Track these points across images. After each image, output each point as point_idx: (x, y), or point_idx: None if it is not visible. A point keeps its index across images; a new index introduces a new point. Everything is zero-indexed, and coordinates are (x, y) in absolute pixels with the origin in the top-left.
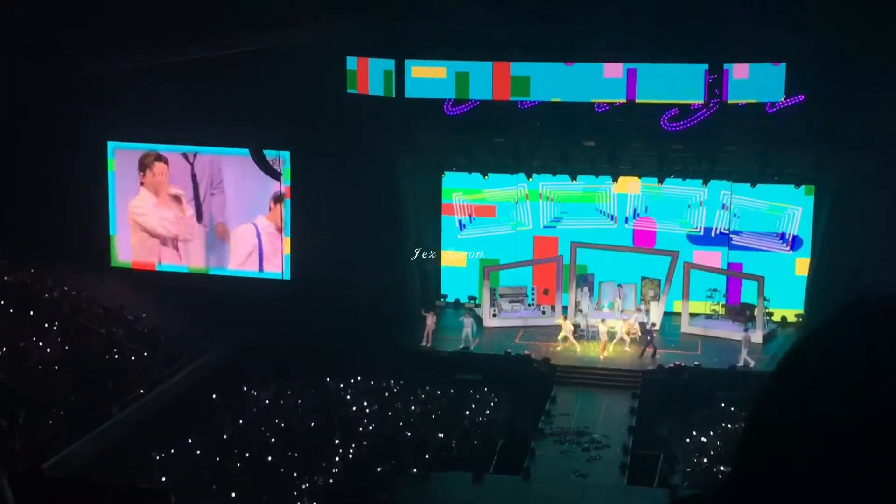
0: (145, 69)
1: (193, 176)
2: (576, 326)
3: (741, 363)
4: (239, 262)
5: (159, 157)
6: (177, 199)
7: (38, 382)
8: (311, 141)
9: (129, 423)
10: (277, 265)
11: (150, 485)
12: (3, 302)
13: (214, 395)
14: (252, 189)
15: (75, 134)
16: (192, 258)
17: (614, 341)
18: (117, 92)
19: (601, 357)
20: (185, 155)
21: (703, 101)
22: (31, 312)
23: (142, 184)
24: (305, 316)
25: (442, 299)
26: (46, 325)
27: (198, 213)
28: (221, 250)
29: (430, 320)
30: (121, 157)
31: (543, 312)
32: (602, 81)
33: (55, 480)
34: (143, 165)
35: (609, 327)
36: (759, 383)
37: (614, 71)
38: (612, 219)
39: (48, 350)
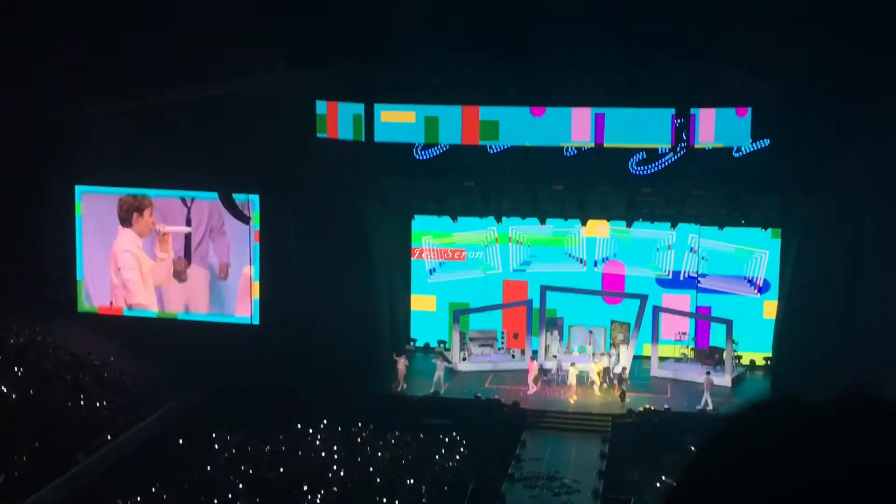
0: (114, 113)
1: (188, 220)
2: (545, 371)
3: (702, 405)
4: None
5: (148, 202)
6: (165, 241)
7: (3, 428)
8: (280, 184)
9: (95, 470)
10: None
11: None
12: None
13: (182, 441)
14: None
15: (42, 178)
16: (191, 302)
17: (585, 384)
18: (86, 136)
19: (571, 401)
20: (182, 199)
21: (670, 146)
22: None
23: (129, 227)
24: (274, 360)
25: (412, 343)
26: (11, 370)
27: (187, 256)
28: (222, 292)
29: (402, 364)
30: (90, 202)
31: (513, 356)
32: (570, 126)
33: None
34: (133, 209)
35: (579, 370)
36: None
37: (582, 115)
38: (581, 262)
39: (13, 396)
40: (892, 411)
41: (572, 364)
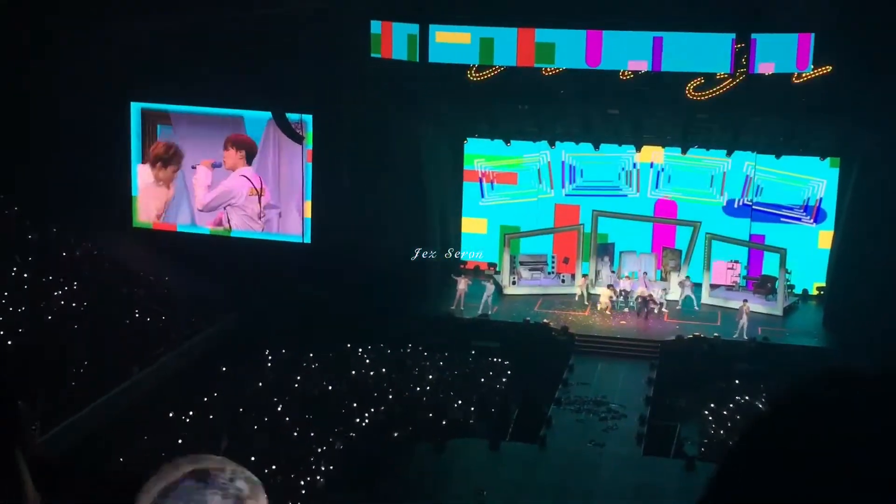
0: (169, 32)
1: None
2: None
3: (738, 333)
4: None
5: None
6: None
7: (58, 341)
8: (334, 105)
9: (148, 384)
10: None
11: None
12: (27, 261)
13: (232, 358)
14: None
15: (98, 94)
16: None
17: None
18: (141, 53)
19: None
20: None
21: (729, 72)
22: (52, 271)
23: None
24: (325, 280)
25: (462, 265)
26: (66, 285)
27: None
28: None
29: (463, 284)
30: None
31: (563, 281)
32: (628, 50)
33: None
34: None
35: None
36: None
37: (640, 40)
38: (634, 188)
39: (69, 309)
40: None
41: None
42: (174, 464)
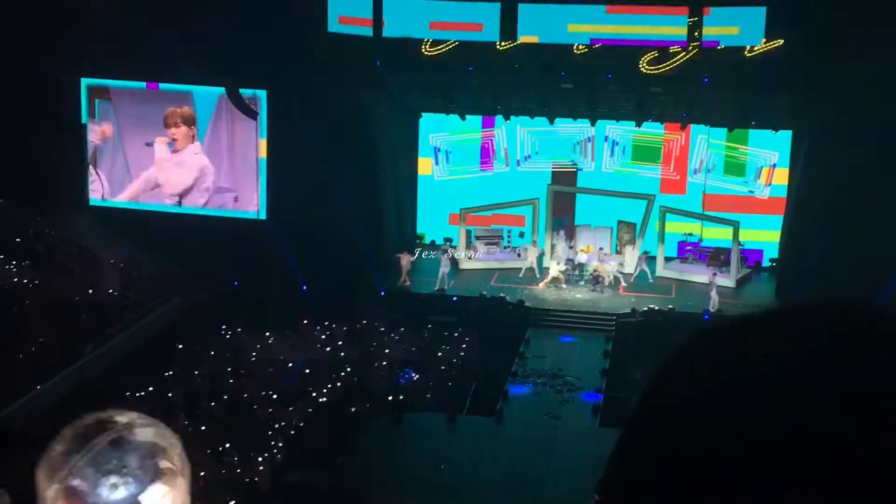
0: (120, 4)
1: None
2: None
3: (710, 306)
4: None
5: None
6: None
7: (11, 319)
8: (288, 80)
9: (103, 362)
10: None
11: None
12: None
13: (188, 336)
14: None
15: (47, 70)
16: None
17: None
18: (91, 28)
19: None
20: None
21: (683, 45)
22: (4, 250)
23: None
24: (281, 256)
25: (418, 240)
26: (19, 263)
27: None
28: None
29: (405, 260)
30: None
31: (519, 255)
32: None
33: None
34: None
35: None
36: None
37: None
38: (589, 162)
39: (22, 287)
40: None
41: (579, 263)
42: (79, 422)
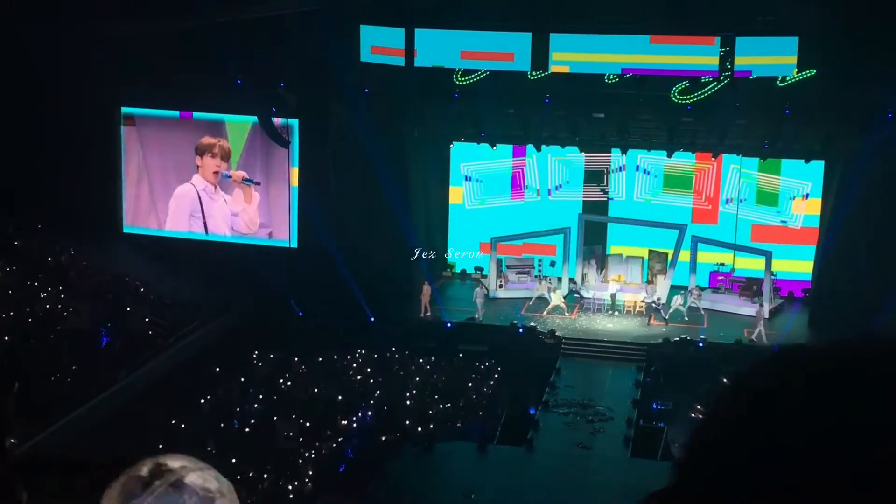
0: (155, 35)
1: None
2: (581, 297)
3: (755, 337)
4: (177, 223)
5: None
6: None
7: (46, 347)
8: (321, 109)
9: (135, 389)
10: (223, 227)
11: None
12: (11, 267)
13: (219, 362)
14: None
15: (85, 98)
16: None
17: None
18: (129, 58)
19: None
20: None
21: (714, 75)
22: (38, 277)
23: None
24: (312, 284)
25: (448, 269)
26: (53, 290)
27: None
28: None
29: (426, 291)
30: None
31: (540, 286)
32: (612, 53)
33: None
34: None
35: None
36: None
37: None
38: (621, 191)
39: (56, 311)
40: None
41: (612, 293)
42: (137, 467)
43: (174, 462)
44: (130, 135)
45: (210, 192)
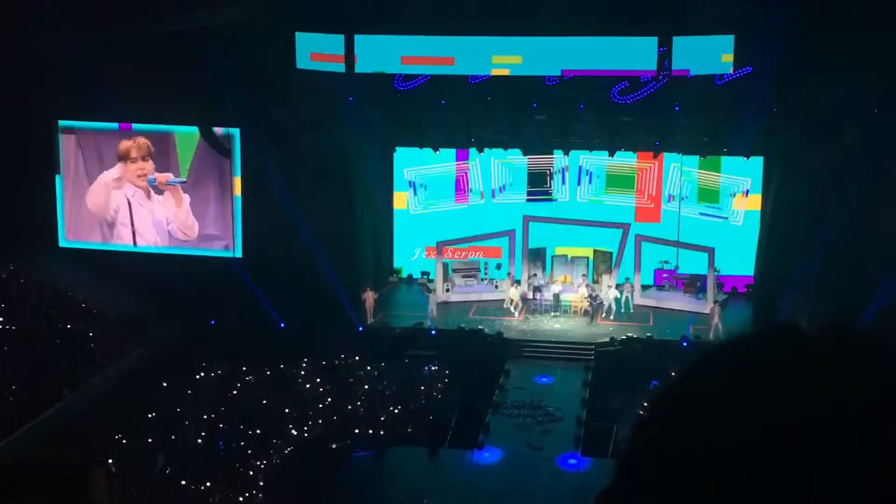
0: (94, 45)
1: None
2: (527, 300)
3: (712, 335)
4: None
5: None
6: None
7: None
8: (261, 118)
9: (80, 405)
10: (155, 237)
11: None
12: None
13: (166, 375)
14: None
15: (21, 112)
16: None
17: (568, 314)
18: (66, 70)
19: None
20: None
21: (653, 74)
22: None
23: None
24: (256, 293)
25: (395, 275)
26: None
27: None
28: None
29: (370, 298)
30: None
31: (496, 287)
32: (554, 54)
33: None
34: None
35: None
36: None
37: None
38: (564, 192)
39: None
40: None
41: (555, 293)
42: None
43: None
44: (69, 145)
45: (141, 199)
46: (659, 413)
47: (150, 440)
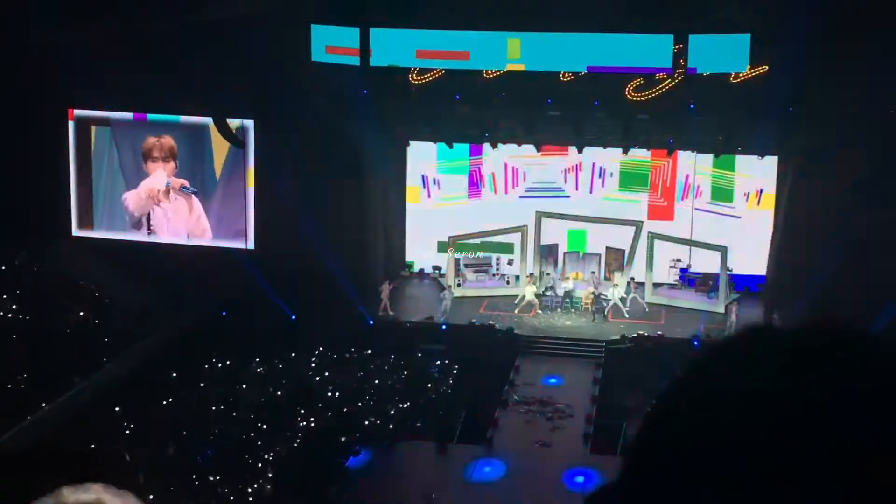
0: (108, 37)
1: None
2: (540, 296)
3: (727, 332)
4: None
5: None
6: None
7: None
8: (275, 110)
9: (90, 394)
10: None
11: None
12: None
13: (177, 365)
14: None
15: (36, 102)
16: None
17: (579, 310)
18: (79, 61)
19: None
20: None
21: (668, 72)
22: None
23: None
24: (268, 286)
25: (406, 269)
26: (5, 296)
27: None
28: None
29: (385, 290)
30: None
31: (508, 282)
32: (567, 52)
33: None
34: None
35: (573, 297)
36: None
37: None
38: (577, 189)
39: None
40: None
41: (566, 290)
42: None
43: (86, 496)
44: (102, 139)
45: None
46: (663, 409)
47: (158, 429)
